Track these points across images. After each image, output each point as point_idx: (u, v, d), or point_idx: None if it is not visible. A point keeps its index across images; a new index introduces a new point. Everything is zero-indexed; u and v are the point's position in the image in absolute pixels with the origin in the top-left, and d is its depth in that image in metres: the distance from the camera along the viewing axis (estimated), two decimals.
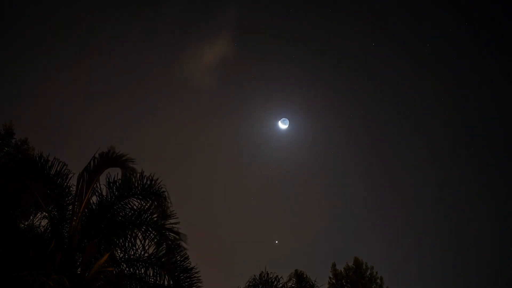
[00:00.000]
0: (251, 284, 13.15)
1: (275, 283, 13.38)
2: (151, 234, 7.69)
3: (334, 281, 19.50)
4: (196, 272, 7.92)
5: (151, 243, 7.73)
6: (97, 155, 7.51)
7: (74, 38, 24.84)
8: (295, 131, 27.76)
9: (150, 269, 7.67)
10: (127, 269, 7.71)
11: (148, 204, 7.88)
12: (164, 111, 28.58)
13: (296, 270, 14.23)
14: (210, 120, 29.52)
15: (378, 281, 19.26)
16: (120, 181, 7.86)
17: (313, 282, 14.10)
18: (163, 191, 7.84)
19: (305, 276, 14.02)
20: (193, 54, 26.30)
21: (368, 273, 19.43)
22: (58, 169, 7.72)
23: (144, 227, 7.70)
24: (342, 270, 19.61)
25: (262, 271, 13.55)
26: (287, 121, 26.78)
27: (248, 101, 29.23)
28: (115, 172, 7.90)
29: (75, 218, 7.12)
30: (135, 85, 28.11)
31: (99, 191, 7.83)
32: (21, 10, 22.56)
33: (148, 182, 7.85)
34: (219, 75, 27.80)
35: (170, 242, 7.62)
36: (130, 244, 7.74)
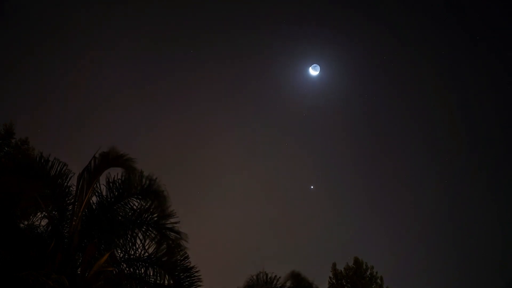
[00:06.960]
0: (249, 284, 13.13)
1: (274, 282, 13.37)
2: (151, 234, 7.70)
3: (334, 281, 19.52)
4: (197, 271, 7.93)
5: (152, 242, 7.74)
6: (97, 155, 7.52)
7: (73, 38, 24.81)
8: (327, 77, 25.92)
9: (150, 268, 7.67)
10: (127, 269, 7.71)
11: (148, 204, 7.89)
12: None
13: (292, 272, 14.20)
14: (236, 63, 28.17)
15: (378, 281, 19.27)
16: (120, 181, 7.86)
17: (311, 282, 14.09)
18: (163, 190, 7.84)
19: (301, 276, 14.01)
20: None
21: (368, 273, 19.45)
22: (58, 169, 7.74)
23: (144, 227, 7.71)
24: (343, 270, 19.63)
25: (260, 272, 13.53)
26: (318, 67, 25.10)
27: (277, 47, 27.90)
28: (115, 172, 7.92)
29: (75, 218, 7.13)
30: (135, 84, 27.93)
31: (99, 191, 7.83)
32: (29, 7, 22.38)
33: (148, 182, 7.85)
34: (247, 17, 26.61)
35: (170, 242, 7.63)
36: (130, 243, 7.75)
